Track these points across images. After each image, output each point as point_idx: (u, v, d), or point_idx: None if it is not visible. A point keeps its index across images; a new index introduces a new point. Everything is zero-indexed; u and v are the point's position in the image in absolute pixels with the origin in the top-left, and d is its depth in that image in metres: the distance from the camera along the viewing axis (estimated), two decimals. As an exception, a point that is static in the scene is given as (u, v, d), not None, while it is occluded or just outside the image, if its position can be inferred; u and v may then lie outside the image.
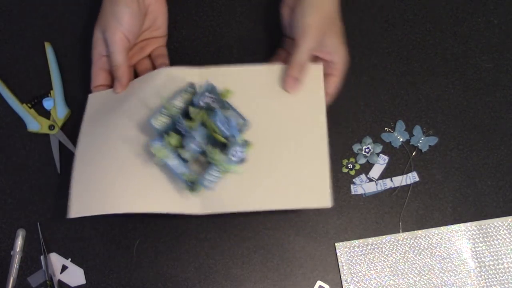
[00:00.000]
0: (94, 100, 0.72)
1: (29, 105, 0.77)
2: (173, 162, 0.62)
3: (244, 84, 0.67)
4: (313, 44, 0.67)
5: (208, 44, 0.80)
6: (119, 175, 0.65)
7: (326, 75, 0.69)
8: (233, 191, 0.65)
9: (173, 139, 0.63)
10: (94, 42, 0.71)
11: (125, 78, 0.69)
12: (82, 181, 0.66)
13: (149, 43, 0.75)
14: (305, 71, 0.67)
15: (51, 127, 0.76)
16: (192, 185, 0.62)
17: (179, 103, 0.65)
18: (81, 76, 0.78)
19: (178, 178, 0.63)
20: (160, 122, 0.63)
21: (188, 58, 0.78)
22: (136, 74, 0.74)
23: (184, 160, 0.63)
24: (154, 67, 0.74)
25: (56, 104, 0.77)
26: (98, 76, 0.71)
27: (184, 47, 0.79)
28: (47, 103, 0.77)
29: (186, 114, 0.65)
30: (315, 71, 0.68)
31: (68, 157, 0.75)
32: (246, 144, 0.63)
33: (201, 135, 0.62)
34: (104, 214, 0.64)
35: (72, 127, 0.76)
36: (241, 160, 0.64)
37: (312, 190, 0.65)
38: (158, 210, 0.64)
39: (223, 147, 0.63)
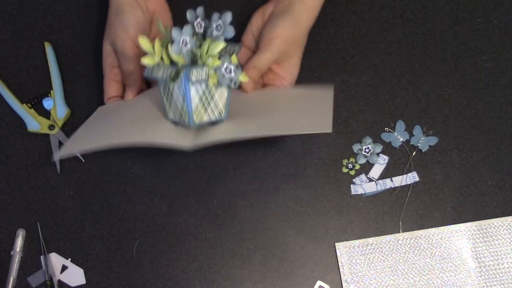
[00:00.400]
0: (102, 109, 0.72)
1: (29, 105, 0.77)
2: (162, 71, 0.59)
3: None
4: (275, 56, 0.69)
5: None
6: (115, 118, 0.65)
7: (272, 86, 0.72)
8: (228, 122, 0.62)
9: (161, 50, 0.60)
10: (104, 54, 0.72)
11: (136, 85, 0.70)
12: (79, 134, 0.66)
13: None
14: (260, 75, 0.70)
15: (51, 127, 0.76)
16: (176, 73, 0.59)
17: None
18: (81, 76, 0.79)
19: (163, 91, 0.61)
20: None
21: None
22: (146, 80, 0.75)
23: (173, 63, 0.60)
24: None
25: (56, 104, 0.77)
26: (111, 87, 0.72)
27: None
28: (47, 103, 0.77)
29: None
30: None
31: (68, 157, 0.75)
32: (239, 67, 0.60)
33: (191, 43, 0.59)
34: (97, 150, 0.60)
35: (72, 127, 0.76)
36: (234, 82, 0.60)
37: (314, 115, 0.62)
38: (149, 140, 0.60)
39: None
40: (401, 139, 0.76)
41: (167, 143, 0.60)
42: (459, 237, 0.73)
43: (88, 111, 0.77)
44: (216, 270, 0.73)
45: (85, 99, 0.78)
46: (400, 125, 0.76)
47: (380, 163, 0.75)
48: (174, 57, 0.60)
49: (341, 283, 0.72)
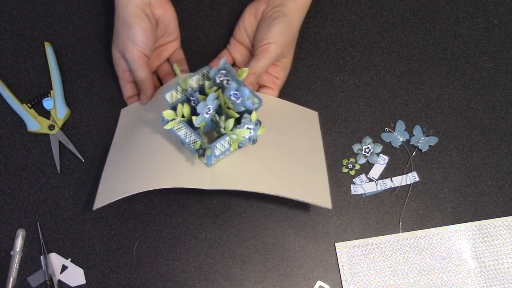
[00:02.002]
0: (125, 114, 0.76)
1: (29, 105, 0.77)
2: (184, 131, 0.63)
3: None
4: (272, 61, 0.71)
5: (208, 44, 0.80)
6: (140, 163, 0.67)
7: (265, 87, 0.74)
8: (243, 172, 0.66)
9: (186, 109, 0.63)
10: (115, 60, 0.75)
11: (149, 91, 0.73)
12: (108, 180, 0.68)
13: (166, 48, 0.78)
14: (258, 79, 0.73)
15: (51, 127, 0.76)
16: (202, 150, 0.62)
17: (194, 83, 0.65)
18: (81, 76, 0.79)
19: (186, 146, 0.64)
20: (174, 96, 0.64)
21: (188, 58, 0.79)
22: (158, 79, 0.78)
23: (195, 129, 0.63)
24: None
25: (56, 104, 0.77)
26: (127, 89, 0.76)
27: (184, 47, 0.79)
28: (47, 103, 0.77)
29: (201, 93, 0.65)
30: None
31: (68, 157, 0.76)
32: (258, 123, 0.64)
33: (214, 105, 0.62)
34: (125, 197, 0.64)
35: (72, 127, 0.76)
36: (252, 140, 0.65)
37: (316, 190, 0.68)
38: (173, 185, 0.64)
39: (236, 123, 0.64)
40: (401, 139, 0.76)
41: (192, 186, 0.64)
42: (459, 237, 0.73)
43: (88, 111, 0.77)
44: (216, 270, 0.73)
45: (85, 99, 0.78)
46: (400, 125, 0.76)
47: (380, 163, 0.75)
48: (197, 125, 0.62)
49: (341, 283, 0.72)
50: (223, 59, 0.62)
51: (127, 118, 0.76)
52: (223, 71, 0.63)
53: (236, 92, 0.62)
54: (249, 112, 0.63)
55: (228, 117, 0.64)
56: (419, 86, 0.77)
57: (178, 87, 0.65)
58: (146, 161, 0.67)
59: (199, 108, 0.61)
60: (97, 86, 0.78)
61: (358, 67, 0.78)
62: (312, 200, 0.66)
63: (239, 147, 0.66)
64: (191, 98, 0.64)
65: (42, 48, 0.79)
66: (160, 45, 0.77)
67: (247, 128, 0.63)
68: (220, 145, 0.63)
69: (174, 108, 0.63)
